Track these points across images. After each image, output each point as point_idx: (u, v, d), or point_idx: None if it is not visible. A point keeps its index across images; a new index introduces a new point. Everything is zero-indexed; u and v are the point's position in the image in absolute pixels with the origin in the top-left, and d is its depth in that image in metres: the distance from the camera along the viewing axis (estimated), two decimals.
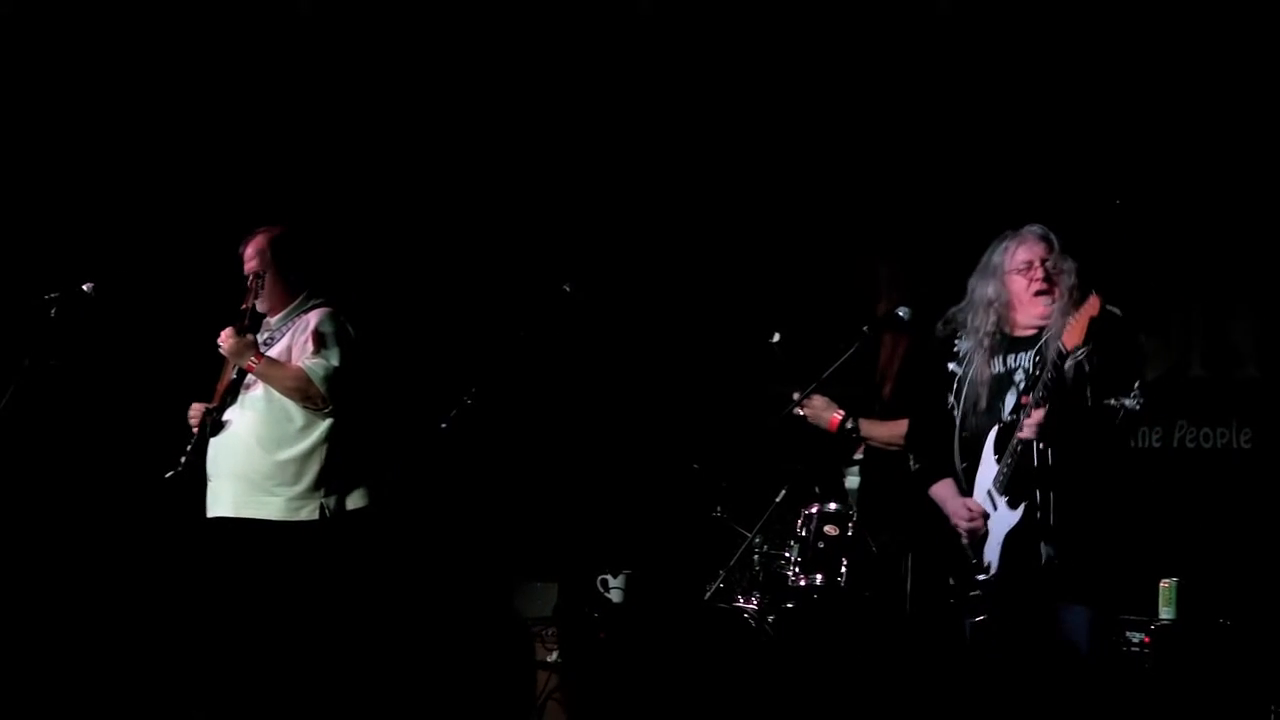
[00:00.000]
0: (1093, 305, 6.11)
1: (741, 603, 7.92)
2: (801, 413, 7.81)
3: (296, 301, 7.54)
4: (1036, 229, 6.56)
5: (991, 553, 6.46)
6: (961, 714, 6.82)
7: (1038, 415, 6.23)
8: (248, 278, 7.47)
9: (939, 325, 6.73)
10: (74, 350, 7.64)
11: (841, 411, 7.75)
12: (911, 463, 6.81)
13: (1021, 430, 6.29)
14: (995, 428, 6.46)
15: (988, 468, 6.47)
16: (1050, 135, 8.79)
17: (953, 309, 6.69)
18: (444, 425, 7.92)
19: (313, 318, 7.45)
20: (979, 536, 6.48)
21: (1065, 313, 6.35)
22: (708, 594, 7.91)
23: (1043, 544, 6.34)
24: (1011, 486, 6.38)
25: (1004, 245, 6.57)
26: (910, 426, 6.95)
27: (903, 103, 9.11)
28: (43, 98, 8.97)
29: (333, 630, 7.45)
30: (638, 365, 9.64)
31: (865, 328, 7.63)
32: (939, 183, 9.08)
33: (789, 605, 7.75)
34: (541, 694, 8.48)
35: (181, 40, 9.03)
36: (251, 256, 7.48)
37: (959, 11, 8.65)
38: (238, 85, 9.25)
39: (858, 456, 7.95)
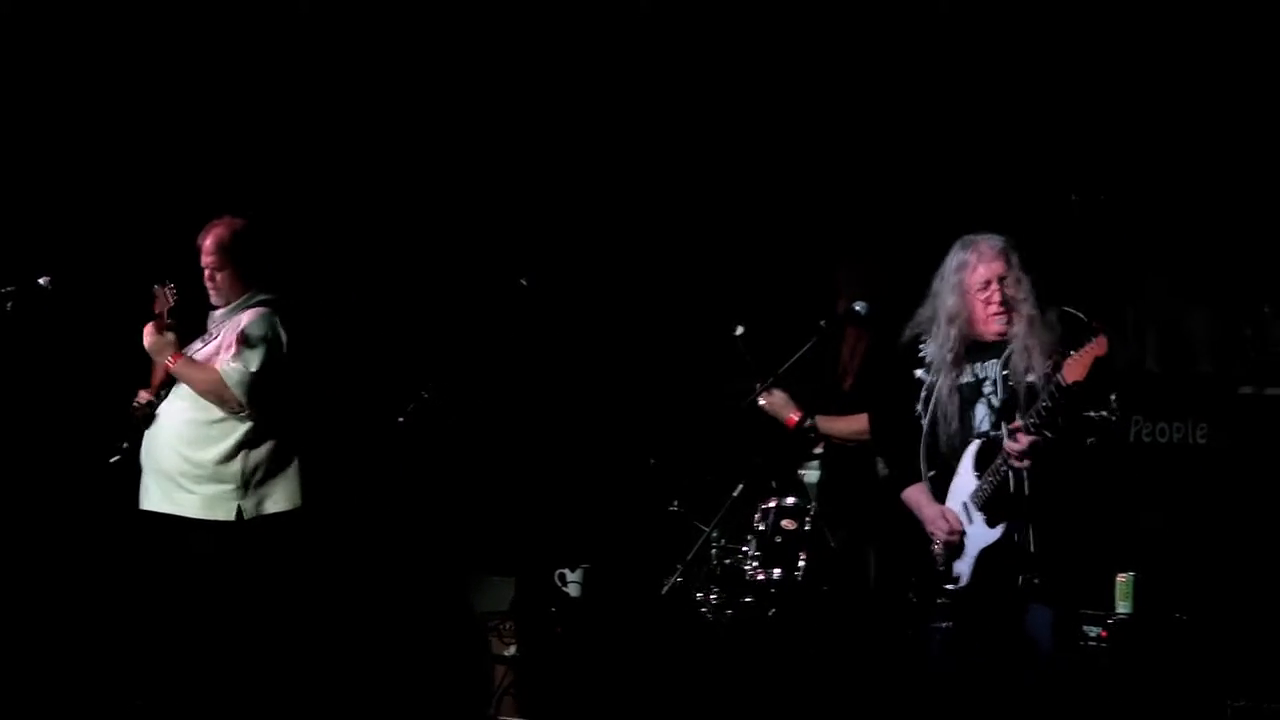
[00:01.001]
0: (1100, 345, 6.09)
1: (699, 597, 7.93)
2: (762, 403, 7.82)
3: (243, 297, 7.52)
4: (996, 242, 6.56)
5: (963, 565, 6.48)
6: (923, 712, 6.83)
7: (1025, 441, 6.25)
8: (209, 272, 7.46)
9: (906, 330, 6.74)
10: (30, 344, 7.58)
11: (799, 411, 7.76)
12: (880, 468, 6.83)
13: (1008, 453, 6.30)
14: (977, 442, 6.48)
15: (965, 480, 6.48)
16: (1007, 132, 8.80)
17: (919, 312, 6.70)
18: (401, 419, 7.91)
19: (245, 317, 7.45)
20: (952, 548, 6.51)
21: (1031, 334, 6.39)
22: (665, 588, 7.91)
23: (1021, 570, 6.38)
24: (991, 505, 6.39)
25: (964, 259, 6.56)
26: (878, 433, 6.97)
27: (864, 103, 9.12)
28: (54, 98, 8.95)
29: (255, 627, 7.43)
30: (595, 359, 9.62)
31: (822, 322, 7.64)
32: (900, 181, 9.07)
33: (747, 599, 7.75)
34: (498, 688, 8.47)
35: (146, 33, 8.98)
36: (210, 250, 7.47)
37: (923, 13, 8.68)
38: (193, 78, 9.20)
39: (818, 451, 7.96)
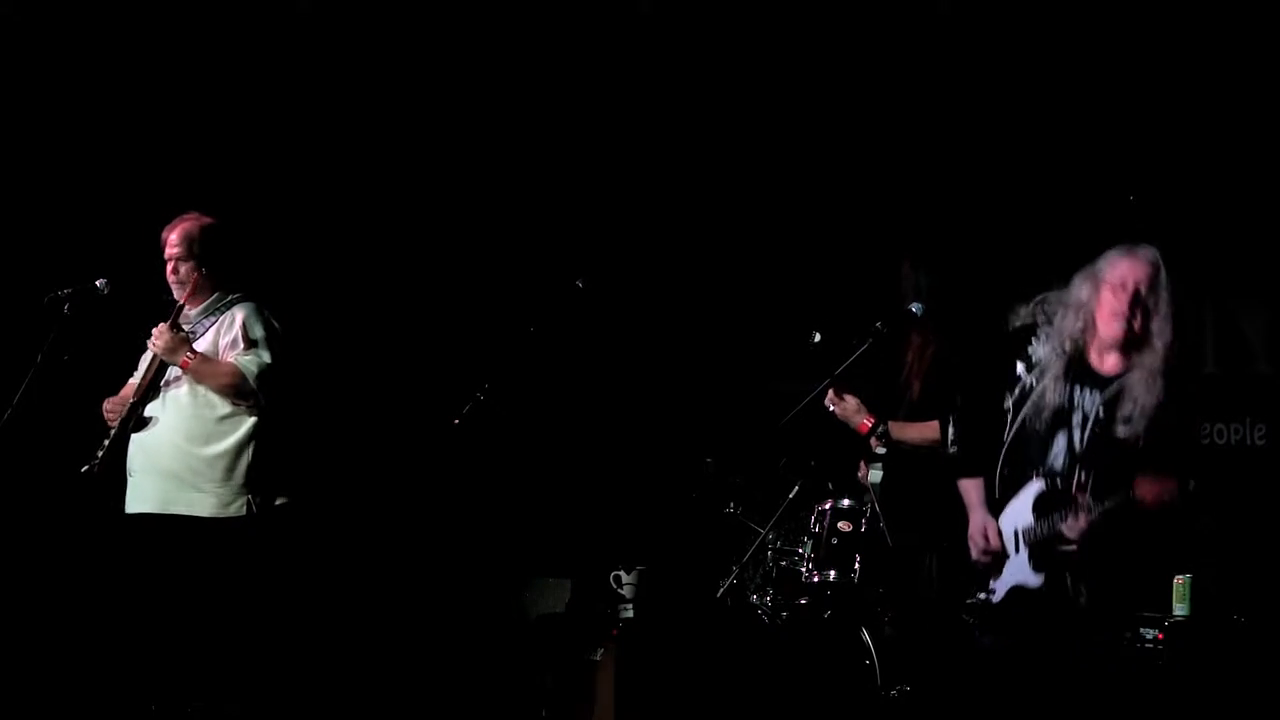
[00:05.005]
0: (1170, 493, 6.09)
1: (754, 599, 7.92)
2: (832, 409, 7.78)
3: (216, 295, 7.53)
4: (1150, 252, 6.37)
5: (998, 585, 6.48)
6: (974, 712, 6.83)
7: (1084, 522, 6.22)
8: (174, 265, 7.47)
9: (1030, 306, 6.69)
10: (87, 346, 7.60)
11: (872, 417, 7.69)
12: (950, 445, 6.78)
13: (1064, 530, 6.27)
14: (1041, 484, 6.43)
15: (1022, 512, 6.44)
16: (1064, 133, 8.79)
17: (1051, 295, 6.61)
18: (457, 421, 7.92)
19: (239, 313, 7.45)
20: (985, 566, 6.51)
21: (1146, 379, 6.26)
22: (721, 591, 7.89)
23: (1068, 618, 6.37)
24: (1040, 551, 6.37)
25: (1112, 257, 6.40)
26: (960, 413, 6.87)
27: (909, 100, 9.12)
28: (56, 99, 8.97)
29: (269, 623, 7.46)
30: (650, 361, 9.63)
31: (879, 324, 7.60)
32: (962, 182, 9.06)
33: (802, 601, 7.74)
34: (551, 690, 8.46)
35: (184, 39, 9.02)
36: (175, 244, 7.47)
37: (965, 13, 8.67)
38: (247, 81, 9.24)
39: (881, 451, 7.90)
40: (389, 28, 9.15)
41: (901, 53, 8.94)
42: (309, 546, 7.79)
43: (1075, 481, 6.31)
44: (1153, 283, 6.31)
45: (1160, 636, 7.54)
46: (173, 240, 7.48)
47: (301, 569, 7.77)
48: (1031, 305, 6.70)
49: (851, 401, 7.75)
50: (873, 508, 7.76)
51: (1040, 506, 6.38)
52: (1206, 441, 8.75)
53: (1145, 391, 6.27)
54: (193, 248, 7.47)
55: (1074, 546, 6.25)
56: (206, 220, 7.53)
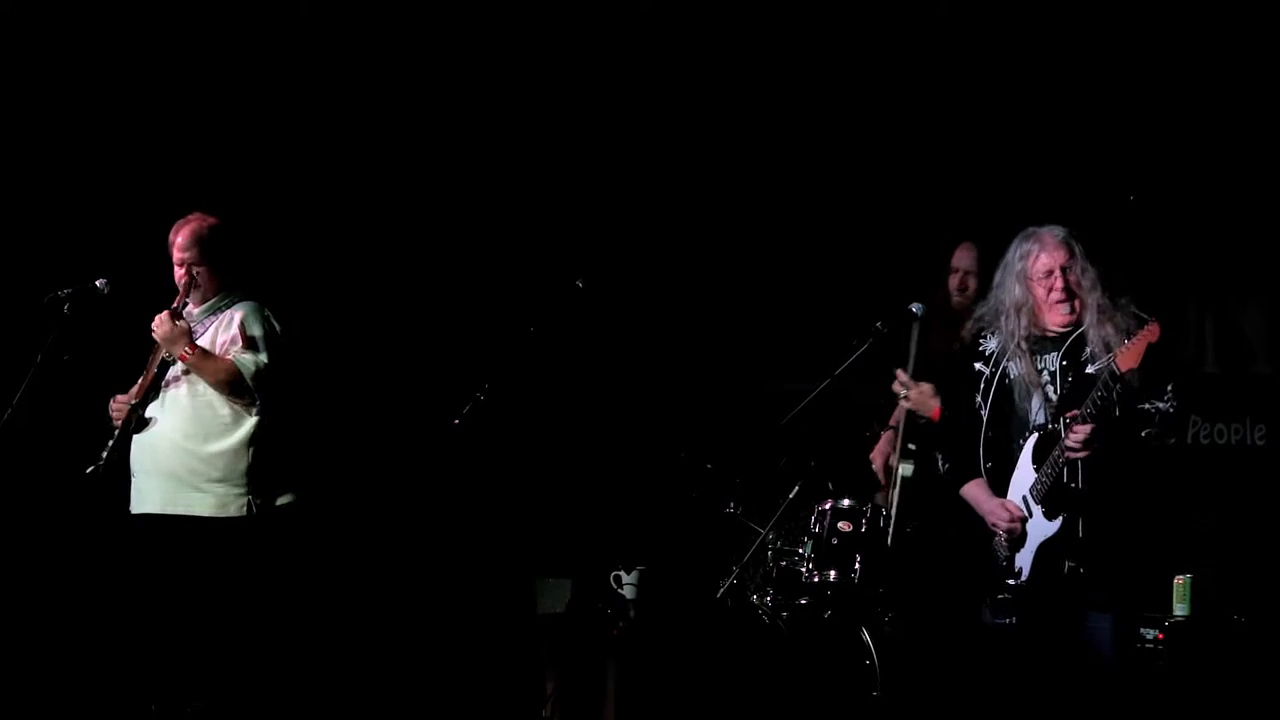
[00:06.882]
0: (1152, 332, 6.10)
1: (754, 599, 7.92)
2: (905, 394, 7.53)
3: (220, 294, 7.51)
4: (1058, 232, 6.55)
5: (1024, 559, 6.47)
6: (982, 713, 6.82)
7: (1084, 431, 6.23)
8: (185, 268, 7.43)
9: (968, 325, 6.74)
10: (87, 346, 7.60)
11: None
12: (940, 464, 6.80)
13: (1066, 443, 6.28)
14: (1035, 435, 6.47)
15: (1025, 473, 6.47)
16: (1064, 133, 8.79)
17: (979, 306, 6.71)
18: (457, 422, 7.91)
19: (238, 313, 7.42)
20: (1015, 539, 6.49)
21: (1099, 325, 6.39)
22: (721, 590, 7.90)
23: (1067, 559, 6.37)
24: (1049, 498, 6.38)
25: (1026, 248, 6.57)
26: (938, 427, 6.96)
27: (909, 100, 9.13)
28: (56, 99, 8.97)
29: (270, 624, 7.43)
30: (650, 361, 9.63)
31: (879, 324, 7.60)
32: (955, 185, 9.07)
33: (802, 601, 7.74)
34: (552, 691, 8.46)
35: (182, 38, 9.03)
36: (186, 246, 7.42)
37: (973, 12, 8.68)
38: (246, 80, 9.24)
39: (911, 446, 7.82)
40: (390, 28, 9.16)
41: (899, 50, 8.95)
42: (309, 547, 7.76)
43: (1062, 419, 6.36)
44: (1071, 256, 6.51)
45: (1160, 636, 7.56)
46: (180, 244, 7.44)
47: (302, 569, 7.75)
48: (971, 325, 6.73)
49: (927, 387, 7.43)
50: (873, 507, 7.76)
51: (1038, 454, 6.43)
52: (1207, 442, 8.78)
53: (1096, 330, 6.40)
54: (202, 249, 7.45)
55: (1080, 453, 6.26)
56: (212, 220, 7.49)
